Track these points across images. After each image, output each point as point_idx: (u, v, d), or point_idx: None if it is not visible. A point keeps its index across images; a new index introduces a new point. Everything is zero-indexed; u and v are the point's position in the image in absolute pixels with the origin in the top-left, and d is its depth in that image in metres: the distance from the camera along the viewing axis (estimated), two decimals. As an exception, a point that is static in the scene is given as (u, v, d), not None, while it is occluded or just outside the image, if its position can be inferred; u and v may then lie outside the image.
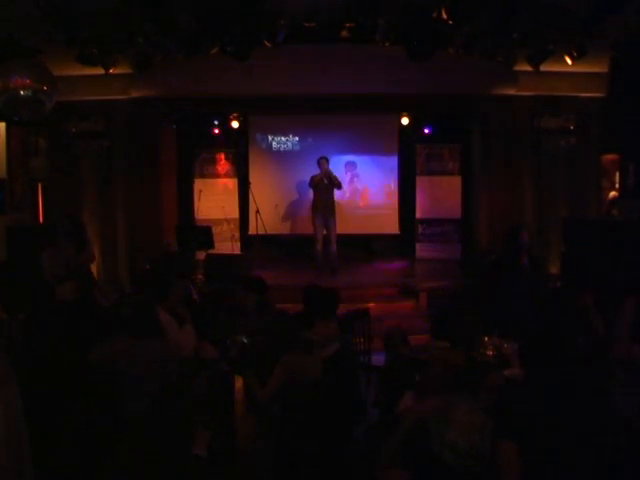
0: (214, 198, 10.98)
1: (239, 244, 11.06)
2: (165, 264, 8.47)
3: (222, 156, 11.23)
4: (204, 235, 9.34)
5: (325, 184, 9.71)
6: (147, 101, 9.29)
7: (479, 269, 8.56)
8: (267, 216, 10.65)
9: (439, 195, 11.11)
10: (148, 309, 4.32)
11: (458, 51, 7.05)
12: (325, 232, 9.81)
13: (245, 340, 4.73)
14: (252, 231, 10.98)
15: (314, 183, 9.78)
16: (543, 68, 7.49)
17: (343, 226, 10.74)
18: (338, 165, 11.37)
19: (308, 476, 3.21)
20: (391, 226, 11.52)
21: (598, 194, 9.53)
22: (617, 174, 9.18)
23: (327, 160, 9.81)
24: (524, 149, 9.51)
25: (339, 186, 9.88)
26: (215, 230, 9.89)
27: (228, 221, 10.98)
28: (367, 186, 11.60)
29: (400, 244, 11.51)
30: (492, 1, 6.19)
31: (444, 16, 6.16)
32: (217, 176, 11.17)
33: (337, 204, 10.42)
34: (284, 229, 11.31)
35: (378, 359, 5.41)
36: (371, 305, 7.41)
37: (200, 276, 8.89)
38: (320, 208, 9.77)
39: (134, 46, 6.94)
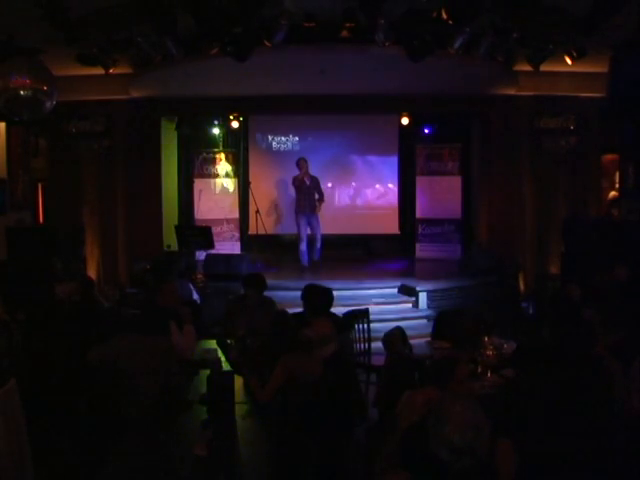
0: (214, 198, 10.99)
1: (239, 244, 11.06)
2: (164, 264, 8.46)
3: (222, 156, 11.22)
4: (204, 235, 9.34)
5: (307, 185, 9.77)
6: (147, 101, 9.29)
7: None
8: (267, 216, 10.65)
9: (439, 195, 11.10)
10: (156, 308, 4.33)
11: (458, 51, 7.05)
12: (310, 231, 9.88)
13: (245, 340, 4.72)
14: (252, 231, 10.99)
15: (296, 184, 9.83)
16: (543, 68, 7.48)
17: (343, 226, 10.72)
18: (337, 165, 11.41)
19: (308, 476, 3.21)
20: (391, 226, 11.53)
21: (598, 194, 9.54)
22: (617, 174, 9.19)
23: (306, 161, 9.86)
24: (524, 149, 9.52)
25: (321, 196, 9.95)
26: (215, 230, 9.90)
27: (228, 221, 10.99)
28: (367, 186, 11.61)
29: (400, 244, 11.51)
30: (492, 1, 6.18)
31: (444, 16, 6.15)
32: (217, 176, 11.16)
33: (337, 204, 10.38)
34: (284, 229, 11.31)
35: (378, 359, 5.40)
36: (371, 305, 7.40)
37: (200, 276, 8.89)
38: (303, 208, 9.84)
39: (134, 46, 6.94)
